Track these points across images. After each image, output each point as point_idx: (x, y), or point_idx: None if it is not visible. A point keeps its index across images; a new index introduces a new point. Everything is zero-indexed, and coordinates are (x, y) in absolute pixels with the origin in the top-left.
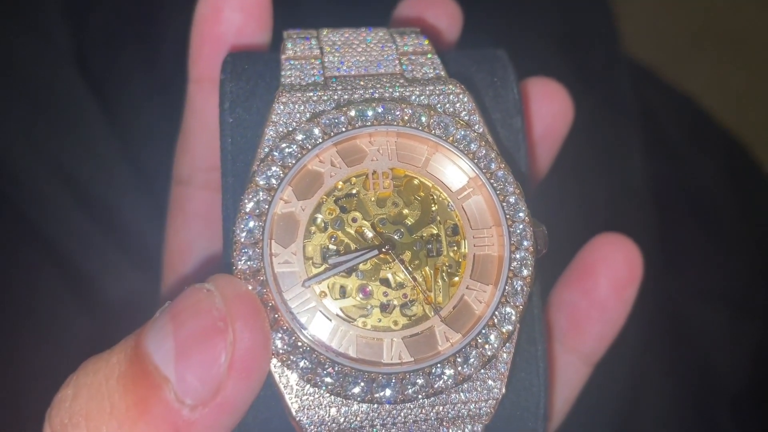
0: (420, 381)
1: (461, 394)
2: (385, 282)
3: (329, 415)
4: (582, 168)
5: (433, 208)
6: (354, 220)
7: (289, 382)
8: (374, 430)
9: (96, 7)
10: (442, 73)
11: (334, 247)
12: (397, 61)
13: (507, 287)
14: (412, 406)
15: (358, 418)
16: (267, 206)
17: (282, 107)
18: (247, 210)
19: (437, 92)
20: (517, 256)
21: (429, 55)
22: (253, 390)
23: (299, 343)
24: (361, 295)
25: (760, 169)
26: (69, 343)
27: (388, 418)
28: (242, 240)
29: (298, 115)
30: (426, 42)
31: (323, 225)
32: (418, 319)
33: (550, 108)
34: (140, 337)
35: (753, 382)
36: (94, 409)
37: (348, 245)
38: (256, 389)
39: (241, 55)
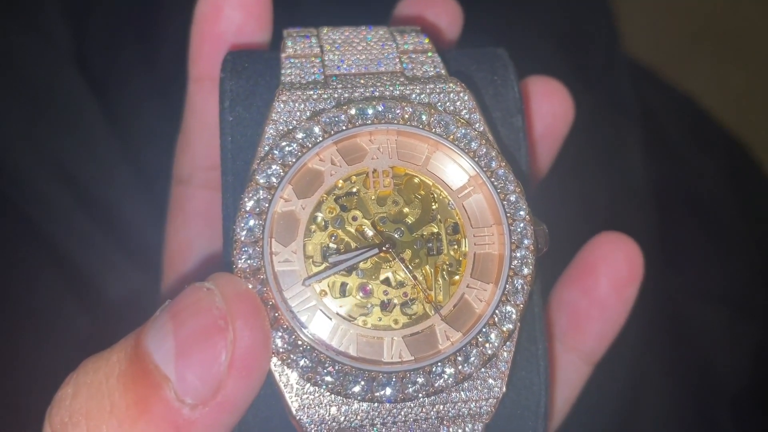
0: (420, 380)
1: (462, 392)
2: (385, 281)
3: (329, 413)
4: (582, 167)
5: (434, 207)
6: (354, 218)
7: (289, 380)
8: (374, 429)
9: (96, 7)
10: (443, 71)
11: (335, 246)
12: (397, 60)
13: (507, 286)
14: (412, 404)
15: (359, 417)
16: (267, 205)
17: (282, 106)
18: (248, 208)
19: (438, 90)
20: (518, 254)
21: (429, 54)
22: (253, 389)
23: (299, 342)
24: (361, 294)
25: (760, 169)
26: (69, 343)
27: (389, 417)
28: (242, 238)
29: (298, 113)
30: (426, 40)
31: (323, 223)
32: (419, 318)
33: (550, 107)
34: (140, 336)
35: (753, 382)
36: (94, 408)
37: (348, 244)
38: (257, 388)
39: (241, 54)
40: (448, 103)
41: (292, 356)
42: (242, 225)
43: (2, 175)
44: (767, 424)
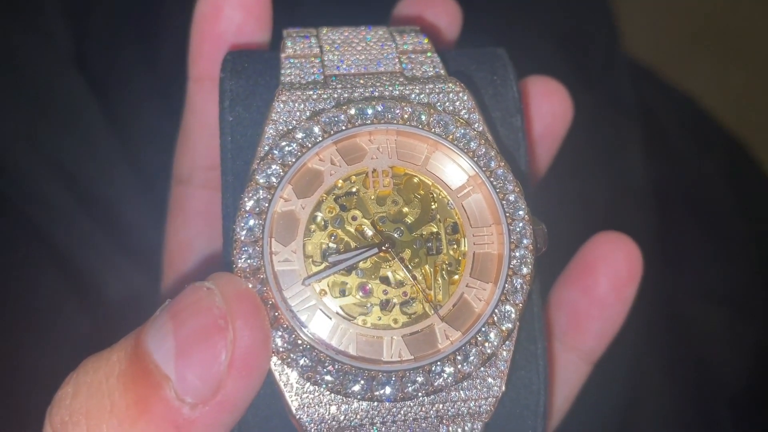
0: (420, 379)
1: (461, 392)
2: (384, 280)
3: (329, 413)
4: (582, 167)
5: (433, 207)
6: (354, 218)
7: (289, 380)
8: (374, 428)
9: (96, 7)
10: (442, 71)
11: (334, 246)
12: (396, 60)
13: (507, 285)
14: (411, 404)
15: (358, 416)
16: (267, 204)
17: (282, 105)
18: (247, 208)
19: (437, 90)
20: (517, 254)
21: (428, 54)
22: (253, 388)
23: (299, 341)
24: (361, 294)
25: (760, 169)
26: (69, 343)
27: (388, 416)
28: (242, 238)
29: (297, 113)
30: (426, 40)
31: (323, 223)
32: (418, 317)
33: (549, 107)
34: (140, 336)
35: (753, 382)
36: (94, 408)
37: (348, 243)
38: (256, 387)
39: (241, 54)
40: (447, 103)
41: (291, 355)
42: (242, 225)
43: (2, 175)
44: (767, 424)
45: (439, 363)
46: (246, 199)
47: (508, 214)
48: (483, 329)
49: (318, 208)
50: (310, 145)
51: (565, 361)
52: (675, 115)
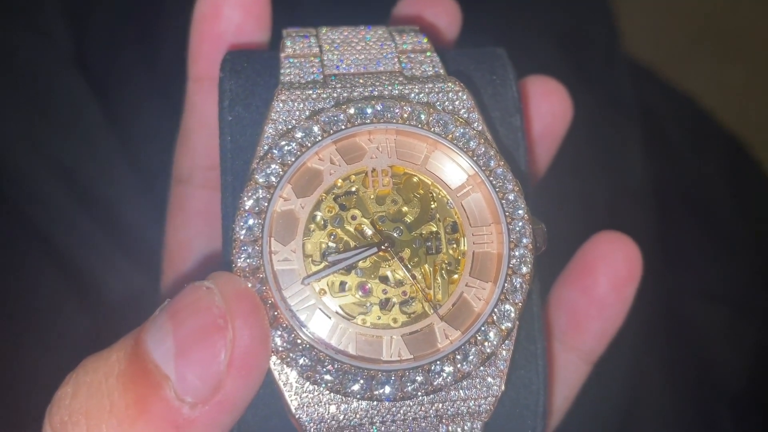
0: (419, 378)
1: (460, 391)
2: (384, 279)
3: (329, 412)
4: (581, 166)
5: (433, 206)
6: (353, 217)
7: (288, 379)
8: (374, 427)
9: (96, 7)
10: (441, 71)
11: (334, 245)
12: (396, 59)
13: (506, 284)
14: (411, 403)
15: (358, 416)
16: (266, 204)
17: (281, 105)
18: (247, 208)
19: (436, 90)
20: (516, 253)
21: (428, 53)
22: (252, 388)
23: (299, 341)
24: (360, 293)
25: (760, 169)
26: (69, 343)
27: (388, 416)
28: (242, 238)
29: (297, 113)
30: (425, 40)
31: (323, 223)
32: (418, 317)
33: (549, 106)
34: (140, 335)
35: (753, 382)
36: (94, 407)
37: (347, 243)
38: (256, 387)
39: (240, 54)
40: (446, 103)
41: (291, 355)
42: (241, 224)
43: (2, 175)
44: (767, 424)
45: (438, 362)
46: (245, 198)
47: (507, 214)
48: (482, 328)
49: (317, 207)
50: (309, 145)
51: (565, 360)
52: (675, 115)
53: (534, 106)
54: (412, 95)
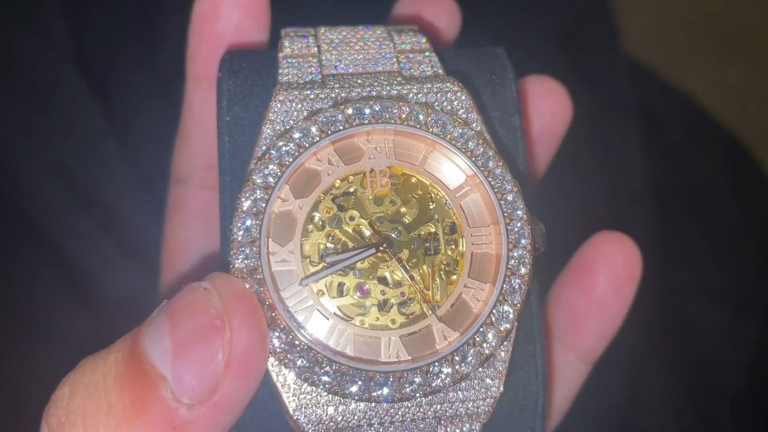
0: (417, 379)
1: (459, 392)
2: (382, 280)
3: (327, 413)
4: (581, 167)
5: (431, 207)
6: (351, 218)
7: (286, 380)
8: (372, 428)
9: (96, 7)
10: (440, 71)
11: (332, 246)
12: (394, 59)
13: (505, 285)
14: (409, 404)
15: (356, 417)
16: (264, 205)
17: (279, 105)
18: (245, 208)
19: (435, 90)
20: (515, 254)
21: (427, 53)
22: (250, 389)
23: (296, 342)
24: (358, 294)
25: (760, 169)
26: (69, 343)
27: (386, 417)
28: (239, 238)
29: (295, 113)
30: (424, 40)
31: (321, 223)
32: (416, 318)
33: (548, 106)
34: (137, 336)
35: (753, 382)
36: (91, 408)
37: (345, 243)
38: (254, 388)
39: (239, 54)
40: (445, 103)
41: (289, 356)
42: (239, 225)
43: (2, 175)
44: (767, 424)
45: (436, 363)
46: (243, 199)
47: (506, 214)
48: (481, 330)
49: (315, 208)
50: (307, 145)
51: (564, 361)
52: (675, 115)
53: (533, 106)
54: (411, 95)
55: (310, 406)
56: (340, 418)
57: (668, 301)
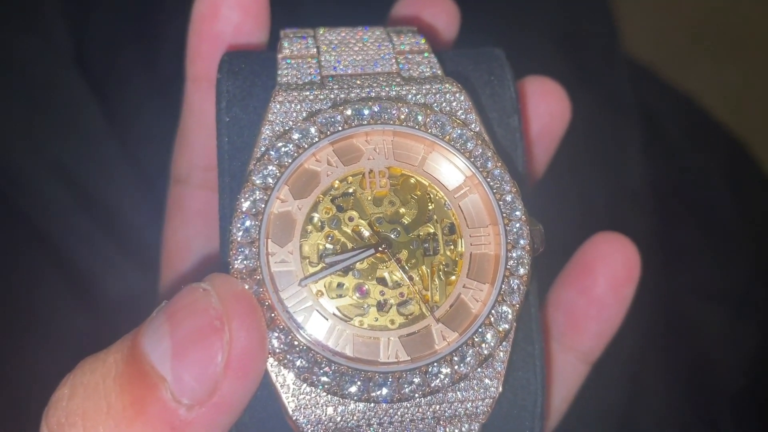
0: (417, 380)
1: (458, 392)
2: (381, 281)
3: (326, 414)
4: (580, 167)
5: (430, 207)
6: (351, 219)
7: (285, 381)
8: (371, 429)
9: (96, 7)
10: (439, 71)
11: (331, 246)
12: (393, 60)
13: (504, 286)
14: (408, 405)
15: (355, 417)
16: (263, 205)
17: (278, 106)
18: (244, 209)
19: (434, 91)
20: (514, 254)
21: (426, 54)
22: (249, 389)
23: (296, 343)
24: (357, 294)
25: (759, 169)
26: (69, 343)
27: (385, 417)
28: (239, 239)
29: (294, 114)
30: (423, 41)
31: (320, 224)
32: (415, 318)
33: (547, 107)
34: (137, 337)
35: (752, 382)
36: (91, 409)
37: (344, 244)
38: (253, 389)
39: (238, 54)
40: (444, 104)
41: (288, 357)
42: (239, 226)
43: (2, 175)
44: (767, 424)
45: (435, 364)
46: (242, 200)
47: (504, 215)
48: (480, 330)
49: (315, 208)
50: (306, 146)
51: (563, 361)
52: (675, 115)
53: (532, 107)
54: (410, 96)
55: (309, 406)
56: (339, 419)
57: (668, 301)
